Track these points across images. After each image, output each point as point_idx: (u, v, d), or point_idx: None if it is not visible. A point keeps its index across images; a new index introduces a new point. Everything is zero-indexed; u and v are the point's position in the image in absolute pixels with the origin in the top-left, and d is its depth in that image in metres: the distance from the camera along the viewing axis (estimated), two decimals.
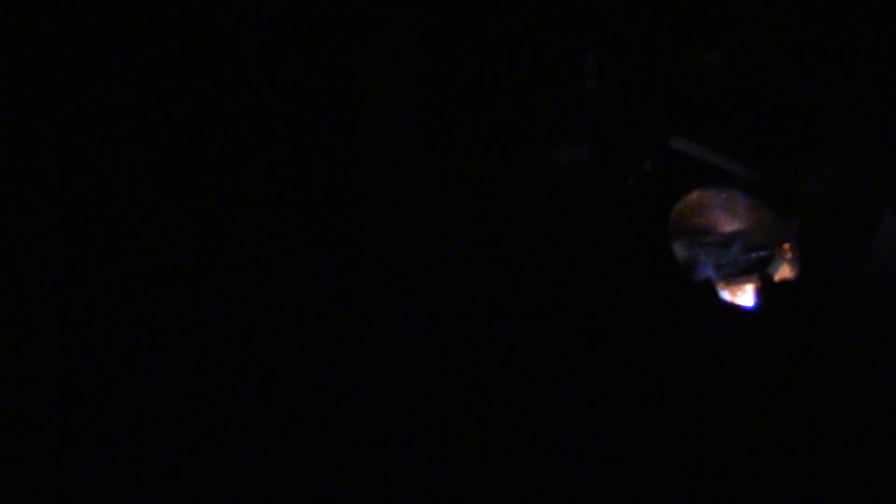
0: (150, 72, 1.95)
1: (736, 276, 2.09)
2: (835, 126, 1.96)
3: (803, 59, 2.01)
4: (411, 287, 1.94)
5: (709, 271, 2.07)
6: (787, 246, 2.08)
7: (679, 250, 2.07)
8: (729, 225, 2.14)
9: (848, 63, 1.97)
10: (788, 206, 2.12)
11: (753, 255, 2.09)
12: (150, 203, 1.92)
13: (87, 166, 1.91)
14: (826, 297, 2.04)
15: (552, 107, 2.04)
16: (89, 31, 1.91)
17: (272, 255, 1.95)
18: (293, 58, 1.99)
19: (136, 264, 1.90)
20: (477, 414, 1.87)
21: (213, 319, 1.88)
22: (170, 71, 1.94)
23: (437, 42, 2.03)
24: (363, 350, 1.90)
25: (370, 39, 2.00)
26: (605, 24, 2.07)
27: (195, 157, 1.94)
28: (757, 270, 2.08)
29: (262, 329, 1.90)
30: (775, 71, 2.05)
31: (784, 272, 2.07)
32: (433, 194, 2.01)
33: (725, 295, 2.06)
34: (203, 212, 1.93)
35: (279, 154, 1.99)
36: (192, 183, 1.93)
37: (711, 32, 2.12)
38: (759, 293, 2.04)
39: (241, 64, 1.99)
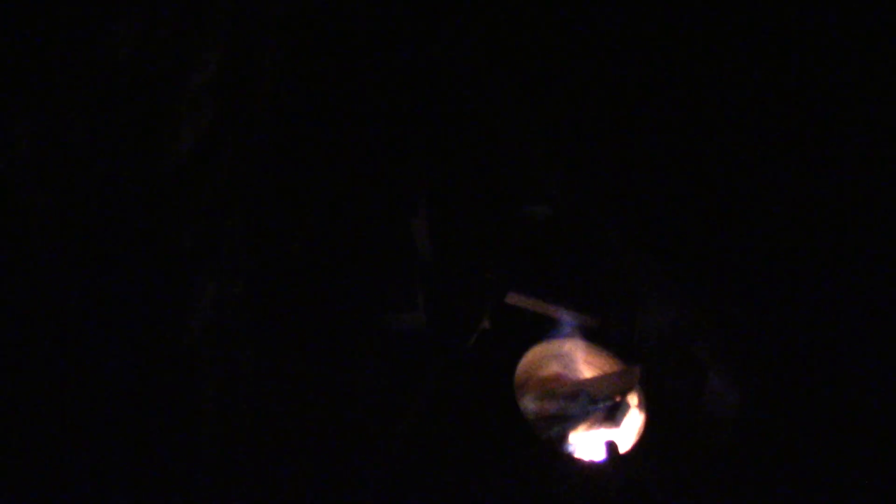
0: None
1: (585, 427, 2.06)
2: (656, 279, 2.03)
3: (620, 215, 2.11)
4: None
5: (557, 425, 2.05)
6: (633, 393, 2.07)
7: (526, 405, 2.05)
8: (573, 376, 2.14)
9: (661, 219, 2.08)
10: (630, 353, 2.13)
11: (601, 404, 2.07)
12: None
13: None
14: (674, 443, 2.03)
15: (384, 275, 2.07)
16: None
17: None
18: None
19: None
20: None
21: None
22: None
23: (263, 218, 2.05)
24: None
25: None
26: (432, 192, 2.15)
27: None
28: (606, 420, 2.07)
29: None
30: (599, 221, 2.13)
31: (632, 419, 2.05)
32: (266, 374, 1.98)
33: (575, 448, 2.03)
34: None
35: None
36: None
37: (536, 185, 2.20)
38: (609, 443, 2.01)
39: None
